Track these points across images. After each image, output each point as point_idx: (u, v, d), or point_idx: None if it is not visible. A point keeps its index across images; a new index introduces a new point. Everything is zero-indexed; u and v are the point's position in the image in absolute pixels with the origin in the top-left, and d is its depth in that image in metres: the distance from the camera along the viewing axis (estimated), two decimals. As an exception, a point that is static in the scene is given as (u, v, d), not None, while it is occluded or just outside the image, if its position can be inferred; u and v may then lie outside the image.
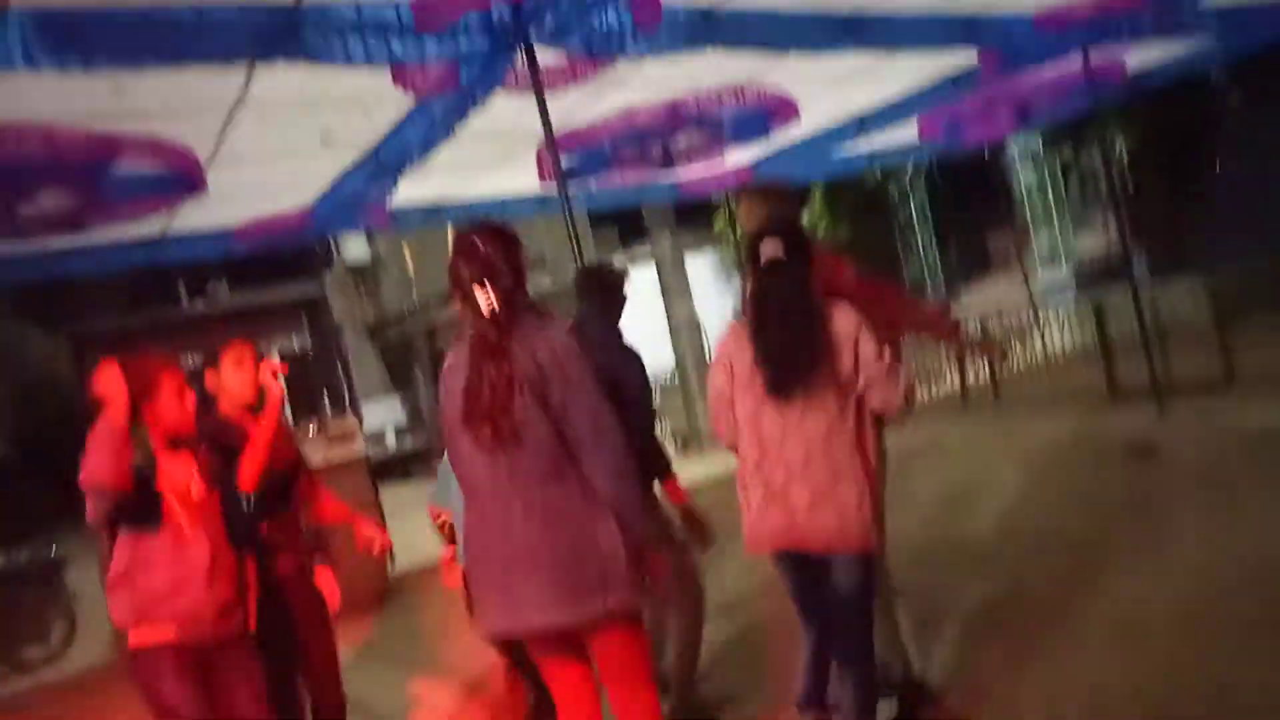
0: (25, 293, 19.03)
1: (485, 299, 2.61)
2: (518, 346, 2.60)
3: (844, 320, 3.04)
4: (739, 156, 8.59)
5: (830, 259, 3.58)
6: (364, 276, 26.62)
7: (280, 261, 15.82)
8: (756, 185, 4.30)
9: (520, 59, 4.50)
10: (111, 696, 6.40)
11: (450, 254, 2.72)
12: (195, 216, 6.60)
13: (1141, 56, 7.88)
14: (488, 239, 2.66)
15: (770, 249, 3.07)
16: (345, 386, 20.42)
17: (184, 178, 5.49)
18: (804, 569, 3.15)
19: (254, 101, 4.78)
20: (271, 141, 5.51)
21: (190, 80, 4.04)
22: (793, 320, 3.01)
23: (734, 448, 3.21)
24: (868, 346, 3.02)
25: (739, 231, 4.23)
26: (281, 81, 4.42)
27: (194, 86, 4.30)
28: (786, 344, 2.99)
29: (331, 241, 22.13)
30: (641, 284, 17.12)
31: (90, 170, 4.97)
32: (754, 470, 3.09)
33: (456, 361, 2.73)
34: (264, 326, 8.57)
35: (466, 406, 2.63)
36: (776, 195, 3.75)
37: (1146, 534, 5.24)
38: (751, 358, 3.08)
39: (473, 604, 2.98)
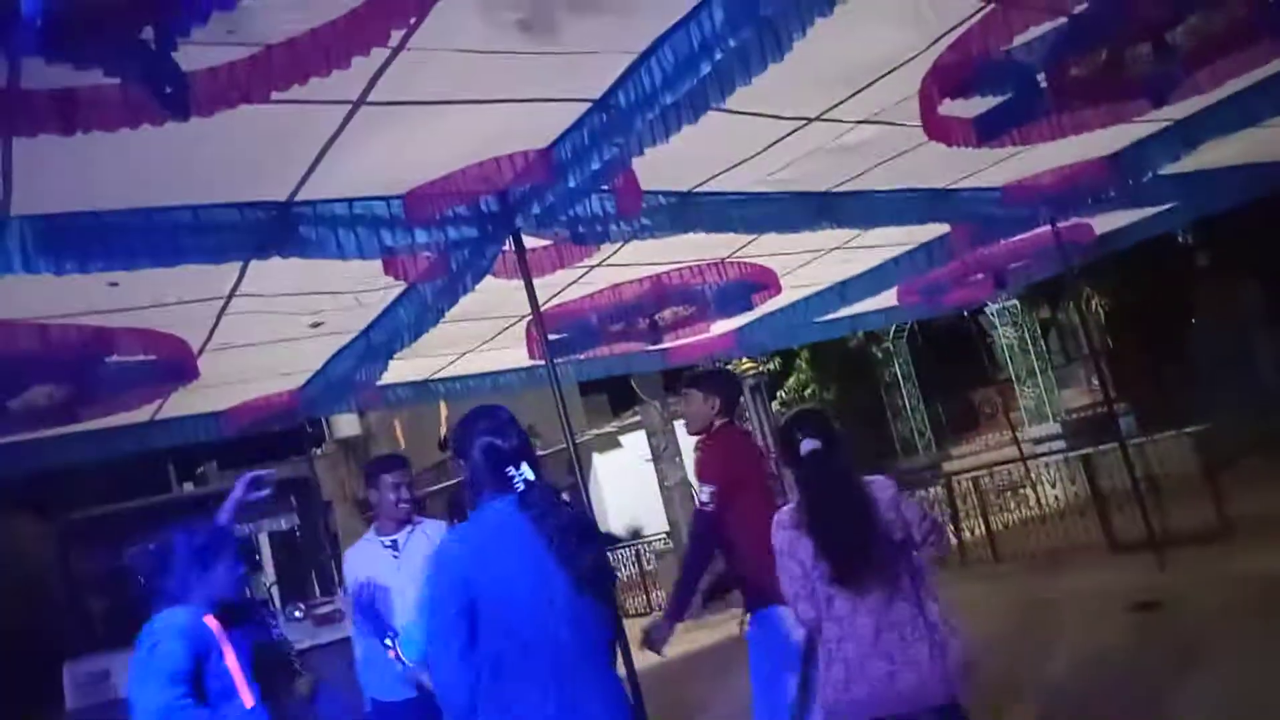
0: (13, 482, 18.86)
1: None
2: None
3: (883, 490, 3.16)
4: (724, 325, 8.77)
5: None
6: (354, 451, 26.48)
7: (271, 441, 15.84)
8: (696, 379, 4.35)
9: (508, 245, 4.65)
10: None
11: (478, 429, 2.74)
12: (185, 401, 6.65)
13: (1109, 220, 8.18)
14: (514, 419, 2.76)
15: (811, 444, 3.18)
16: (334, 565, 20.03)
17: (176, 366, 5.56)
18: None
19: (247, 292, 4.91)
20: (263, 328, 5.61)
21: (185, 275, 4.13)
22: (848, 512, 3.09)
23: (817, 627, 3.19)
24: (910, 508, 3.17)
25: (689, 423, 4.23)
26: (275, 272, 4.55)
27: (188, 281, 4.40)
28: (847, 536, 3.06)
29: (323, 418, 22.13)
30: (634, 450, 17.21)
31: (83, 363, 5.03)
32: (835, 648, 3.11)
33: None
34: (254, 508, 8.45)
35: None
36: (719, 384, 4.11)
37: (1161, 688, 5.10)
38: (814, 549, 3.10)
39: None
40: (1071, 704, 5.38)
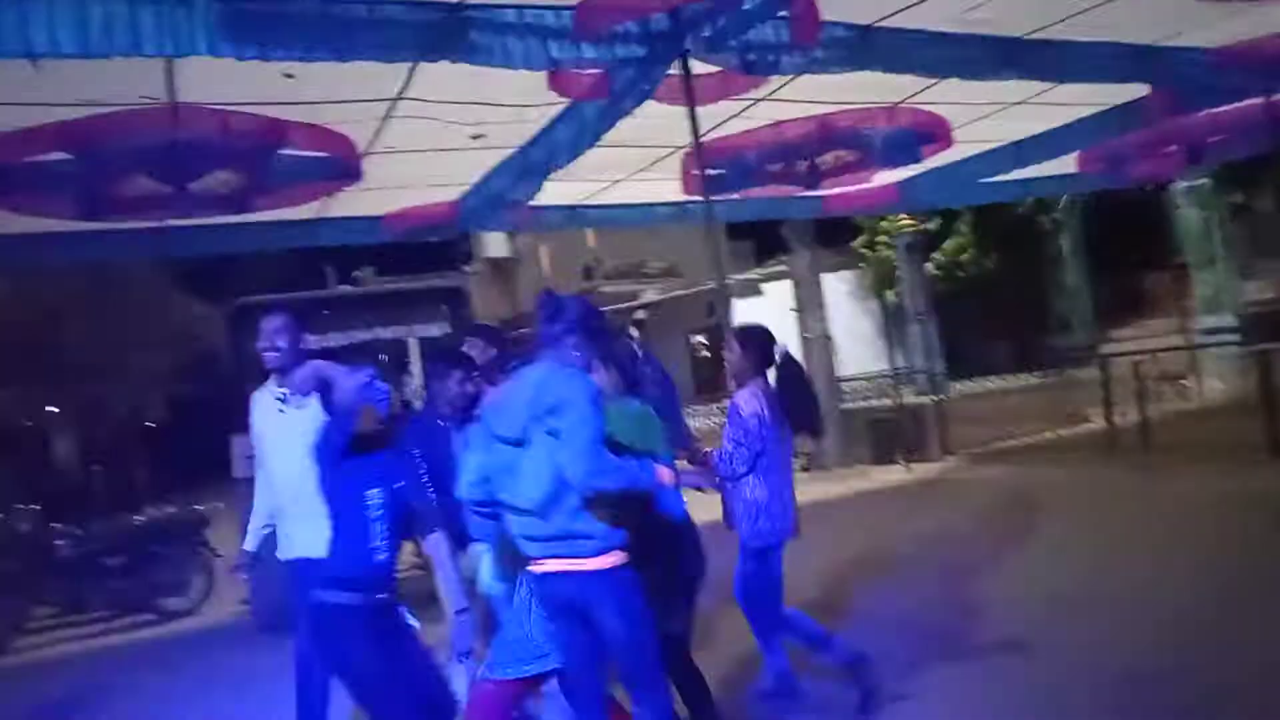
0: (190, 267, 20.24)
1: None
2: None
3: None
4: (886, 176, 8.44)
5: None
6: (502, 272, 27.14)
7: (422, 252, 16.37)
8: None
9: (675, 69, 4.51)
10: (247, 649, 6.70)
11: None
12: (348, 203, 6.87)
13: (1332, 98, 7.39)
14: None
15: (781, 347, 4.47)
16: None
17: (342, 165, 5.71)
18: None
19: (413, 96, 4.95)
20: (426, 135, 5.67)
21: (356, 72, 4.18)
22: (810, 395, 4.68)
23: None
24: None
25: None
26: (441, 78, 4.56)
27: (359, 79, 4.46)
28: (802, 409, 4.49)
29: (473, 236, 22.65)
30: (775, 300, 17.05)
31: (258, 152, 5.22)
32: (779, 488, 4.32)
33: None
34: (406, 313, 8.84)
35: None
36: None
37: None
38: (777, 415, 4.30)
39: None
40: (1191, 609, 5.18)
